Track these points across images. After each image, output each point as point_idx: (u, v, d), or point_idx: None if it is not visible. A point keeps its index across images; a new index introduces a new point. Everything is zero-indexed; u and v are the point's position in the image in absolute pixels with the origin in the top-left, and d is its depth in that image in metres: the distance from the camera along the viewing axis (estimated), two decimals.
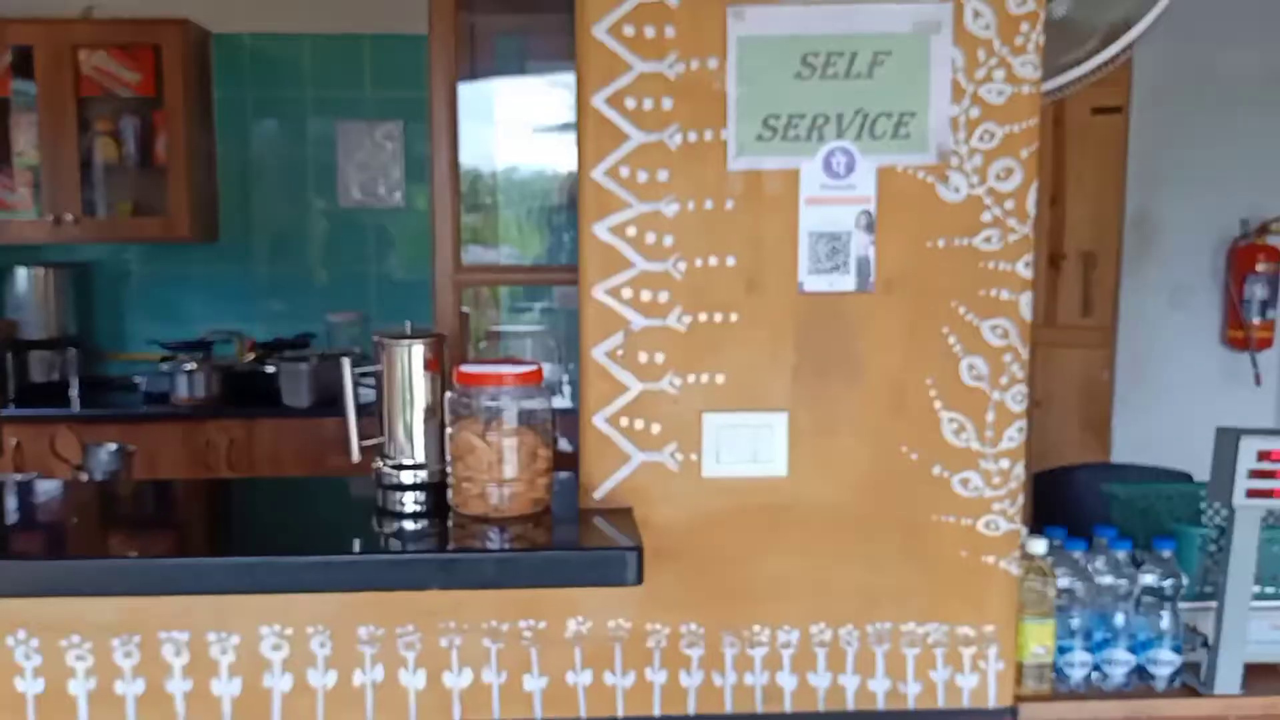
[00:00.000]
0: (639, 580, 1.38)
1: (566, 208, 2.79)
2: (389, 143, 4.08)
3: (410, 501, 1.59)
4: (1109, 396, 3.69)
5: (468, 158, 2.39)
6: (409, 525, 1.58)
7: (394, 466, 1.60)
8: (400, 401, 1.59)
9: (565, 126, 2.59)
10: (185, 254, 4.08)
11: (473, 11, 1.81)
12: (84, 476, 2.13)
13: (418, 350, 1.58)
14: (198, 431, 3.55)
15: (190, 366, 3.61)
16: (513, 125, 2.69)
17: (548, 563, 1.40)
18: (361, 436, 1.61)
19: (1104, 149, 3.71)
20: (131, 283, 4.11)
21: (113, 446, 2.19)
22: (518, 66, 2.75)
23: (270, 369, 3.77)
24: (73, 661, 1.51)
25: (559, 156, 2.96)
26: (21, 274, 3.81)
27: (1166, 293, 3.80)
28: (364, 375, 1.62)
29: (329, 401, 3.68)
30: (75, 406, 3.67)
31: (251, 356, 3.81)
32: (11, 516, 1.69)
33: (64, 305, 3.89)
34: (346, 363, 1.60)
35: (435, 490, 1.59)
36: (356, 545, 1.52)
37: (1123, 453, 3.66)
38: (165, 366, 3.67)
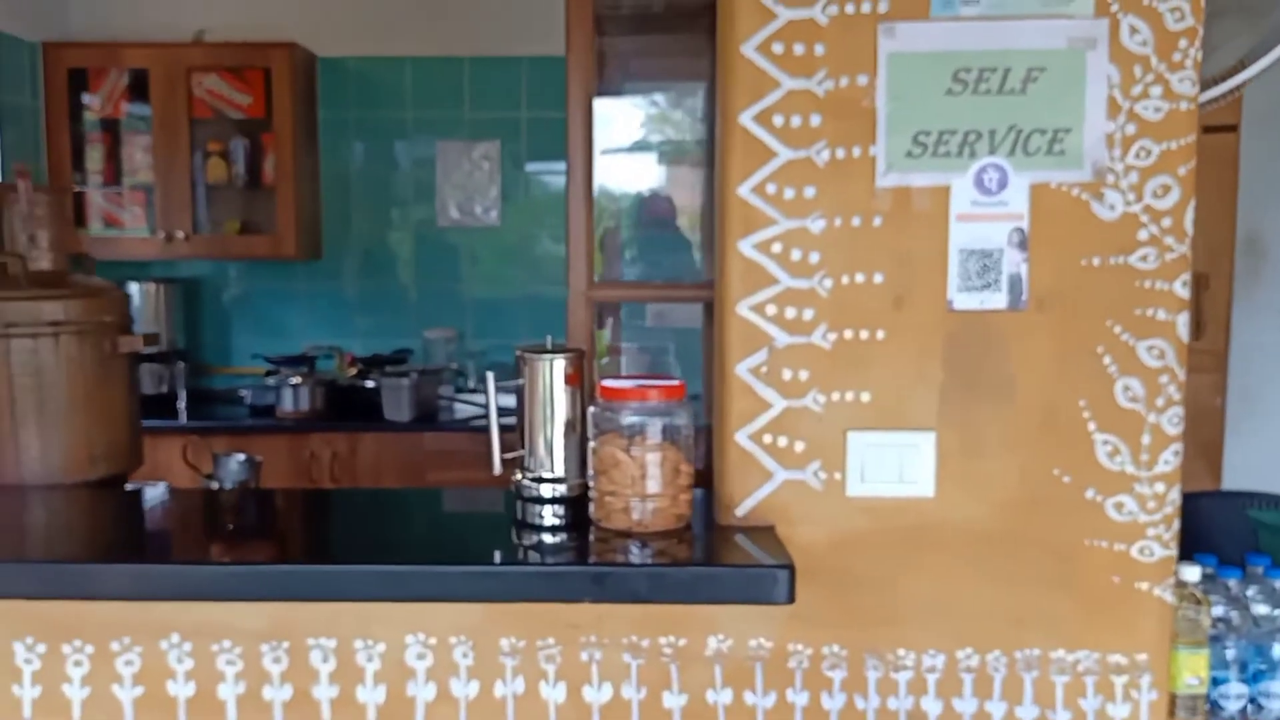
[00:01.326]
0: (791, 599, 1.37)
1: (671, 225, 2.80)
2: (486, 162, 4.14)
3: (550, 515, 1.60)
4: (1220, 421, 3.60)
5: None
6: (548, 538, 1.58)
7: (534, 480, 1.61)
8: (541, 416, 1.61)
9: (665, 144, 2.60)
10: (288, 271, 4.18)
11: (603, 33, 1.81)
12: (214, 485, 2.18)
13: (559, 365, 1.60)
14: (302, 444, 3.61)
15: (295, 380, 3.69)
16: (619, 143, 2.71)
17: (700, 579, 1.40)
18: (503, 449, 1.62)
19: (1216, 168, 3.62)
20: (236, 298, 4.21)
21: (241, 456, 2.23)
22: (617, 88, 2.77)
23: (370, 384, 3.83)
24: (223, 666, 1.54)
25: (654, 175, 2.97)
26: (134, 289, 3.92)
27: (1278, 316, 3.70)
28: (504, 390, 1.63)
29: (428, 416, 3.74)
30: (183, 419, 3.76)
31: (353, 371, 3.87)
32: (160, 523, 1.74)
33: (173, 320, 4.00)
34: (490, 377, 1.61)
35: (574, 504, 1.61)
36: (500, 557, 1.53)
37: (1235, 479, 3.56)
38: (271, 380, 3.75)
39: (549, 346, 1.62)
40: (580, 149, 1.77)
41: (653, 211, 2.36)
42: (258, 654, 1.53)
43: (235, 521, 1.69)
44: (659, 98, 2.22)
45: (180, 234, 3.85)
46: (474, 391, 3.94)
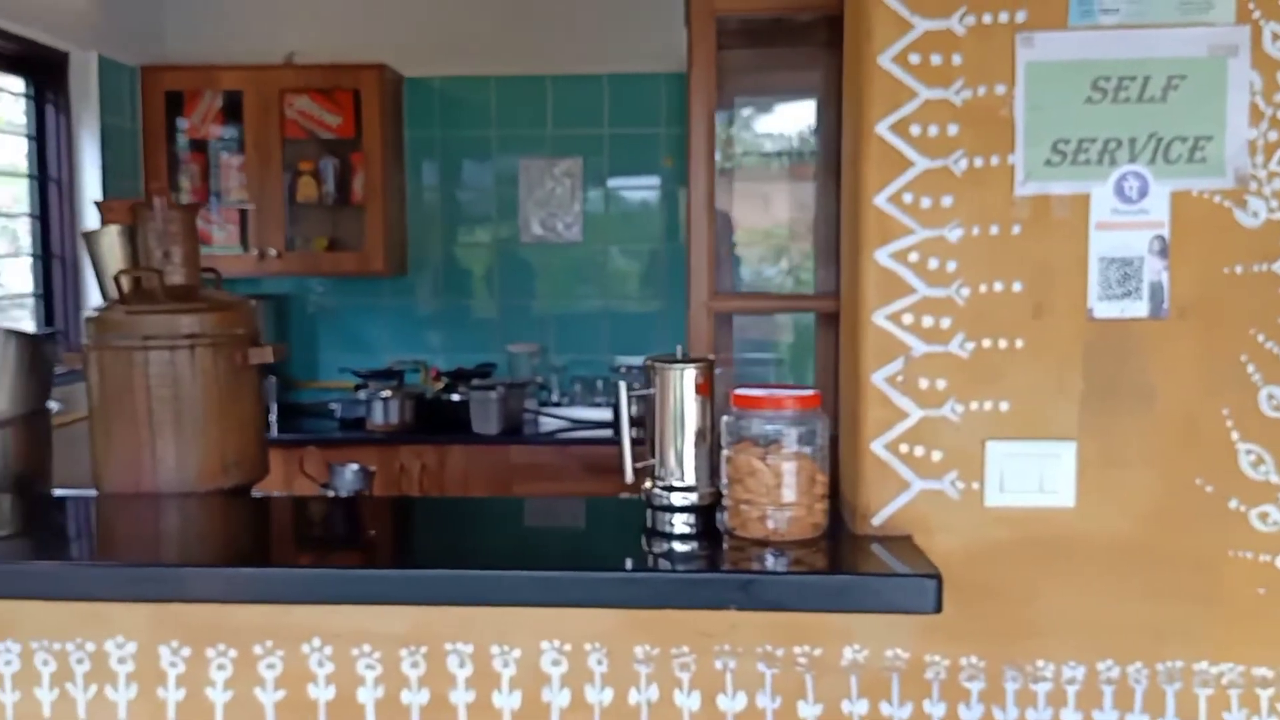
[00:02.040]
0: (938, 608, 1.37)
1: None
2: (568, 179, 4.18)
3: (680, 523, 1.61)
4: None
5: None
6: (680, 546, 1.60)
7: (665, 488, 1.62)
8: (672, 425, 1.62)
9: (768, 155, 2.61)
10: (373, 286, 4.25)
11: (723, 48, 1.83)
12: (330, 494, 2.22)
13: (690, 374, 1.61)
14: (392, 456, 3.67)
15: (386, 394, 3.74)
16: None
17: (845, 588, 1.40)
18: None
19: None
20: (323, 314, 4.29)
21: (355, 466, 2.28)
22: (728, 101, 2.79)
23: (456, 397, 3.88)
24: (362, 670, 1.56)
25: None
26: None
27: None
28: (635, 398, 1.65)
29: (514, 429, 3.78)
30: (274, 432, 3.83)
31: (440, 385, 3.93)
32: (293, 530, 1.78)
33: (264, 335, 4.08)
34: (622, 386, 1.63)
35: (704, 513, 1.62)
36: (634, 564, 1.55)
37: None
38: (362, 394, 3.81)
39: (679, 356, 1.64)
40: (703, 162, 1.79)
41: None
42: (396, 658, 1.56)
43: (362, 529, 1.72)
44: (774, 111, 2.24)
45: (273, 251, 3.93)
46: (558, 405, 3.97)
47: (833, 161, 2.13)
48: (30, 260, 3.65)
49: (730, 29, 2.01)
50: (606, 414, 3.89)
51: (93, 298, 3.74)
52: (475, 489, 3.65)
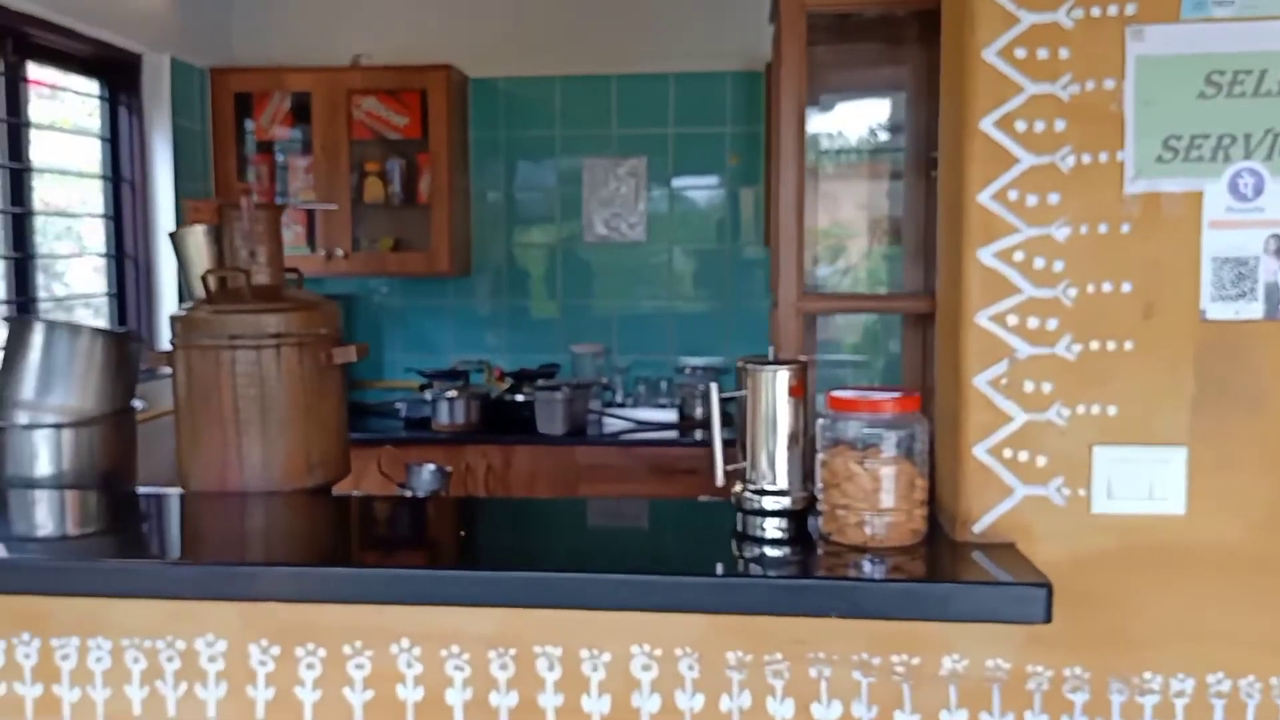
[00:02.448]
0: (1048, 619, 1.33)
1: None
2: (632, 179, 4.16)
3: (772, 528, 1.59)
4: None
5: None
6: (772, 551, 1.57)
7: (756, 492, 1.60)
8: (764, 427, 1.59)
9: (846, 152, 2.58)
10: (437, 287, 4.26)
11: (812, 44, 1.80)
12: (408, 494, 2.22)
13: (783, 376, 1.58)
14: (457, 456, 3.67)
15: (451, 394, 3.75)
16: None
17: (950, 595, 1.36)
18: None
19: None
20: (388, 314, 4.32)
21: (432, 466, 2.27)
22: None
23: (521, 397, 3.88)
24: (451, 671, 1.55)
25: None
26: None
27: None
28: (728, 401, 1.62)
29: (579, 430, 3.77)
30: None
31: (504, 385, 3.93)
32: (378, 529, 1.77)
33: None
34: (714, 388, 1.61)
35: (796, 518, 1.59)
36: (726, 568, 1.52)
37: None
38: (427, 394, 3.82)
39: (771, 358, 1.61)
40: (792, 160, 1.75)
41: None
42: (485, 660, 1.55)
43: (459, 528, 1.71)
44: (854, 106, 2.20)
45: (339, 252, 3.96)
46: (622, 406, 3.96)
47: (920, 159, 2.09)
48: (104, 260, 3.71)
49: (813, 25, 1.97)
50: (671, 415, 3.87)
51: (164, 298, 3.79)
52: (541, 489, 3.64)
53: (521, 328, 4.27)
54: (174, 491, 1.98)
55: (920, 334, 2.00)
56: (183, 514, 1.85)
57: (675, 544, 1.69)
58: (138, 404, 2.07)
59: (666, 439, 3.77)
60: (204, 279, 1.89)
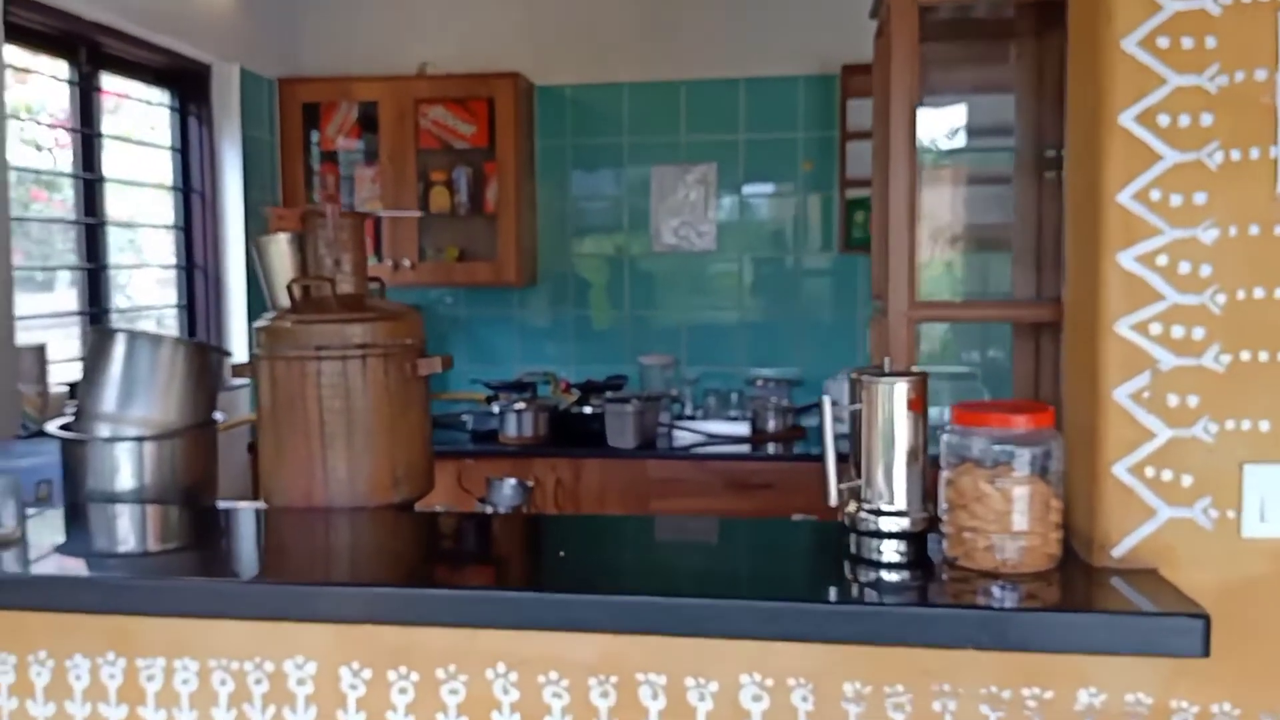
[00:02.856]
0: (1206, 652, 1.22)
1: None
2: (701, 186, 4.09)
3: (890, 550, 1.49)
4: None
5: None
6: (890, 576, 1.47)
7: (872, 512, 1.51)
8: (881, 443, 1.50)
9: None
10: (503, 297, 4.21)
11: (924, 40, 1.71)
12: (489, 510, 2.15)
13: (901, 389, 1.49)
14: (525, 469, 3.61)
15: (520, 406, 3.69)
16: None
17: (1092, 626, 1.26)
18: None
19: None
20: (453, 324, 4.28)
21: (513, 481, 2.20)
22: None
23: (589, 410, 3.81)
24: (549, 699, 1.48)
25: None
26: None
27: None
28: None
29: (649, 443, 3.69)
30: None
31: (573, 398, 3.86)
32: (474, 547, 1.71)
33: None
34: (827, 401, 1.52)
35: (914, 540, 1.50)
36: (839, 594, 1.43)
37: None
38: (495, 406, 3.76)
39: (886, 369, 1.52)
40: (903, 162, 1.67)
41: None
42: (585, 688, 1.47)
43: (563, 549, 1.64)
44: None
45: (406, 262, 3.92)
46: (692, 419, 3.87)
47: (1032, 159, 1.99)
48: (171, 272, 3.70)
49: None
50: (744, 428, 3.78)
51: (234, 308, 3.78)
52: (611, 504, 3.57)
53: (587, 339, 4.21)
54: (257, 506, 1.93)
55: (1033, 343, 1.89)
56: (268, 530, 1.80)
57: (783, 567, 1.60)
58: (218, 416, 2.02)
59: (739, 453, 3.68)
60: (289, 288, 1.84)
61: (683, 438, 3.79)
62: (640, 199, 4.13)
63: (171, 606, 1.49)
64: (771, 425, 3.85)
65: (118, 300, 3.43)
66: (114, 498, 1.89)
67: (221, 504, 2.02)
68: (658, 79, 4.06)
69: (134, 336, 1.95)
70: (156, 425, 1.92)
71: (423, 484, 1.92)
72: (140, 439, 1.90)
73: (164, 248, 3.67)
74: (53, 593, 1.51)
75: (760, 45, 4.01)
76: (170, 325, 3.67)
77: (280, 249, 1.93)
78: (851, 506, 1.53)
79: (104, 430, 1.91)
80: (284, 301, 1.95)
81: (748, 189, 4.08)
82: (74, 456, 1.92)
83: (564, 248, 4.20)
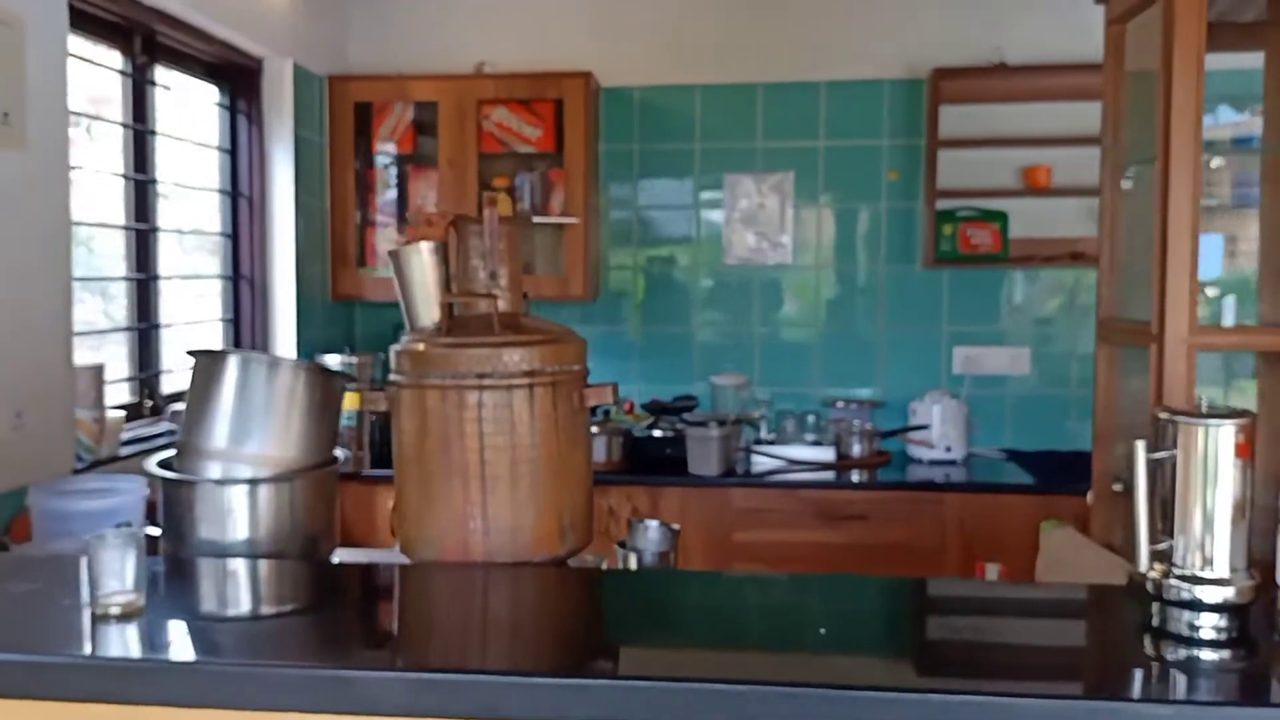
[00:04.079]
0: None
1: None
2: (777, 195, 3.84)
3: (1208, 625, 1.24)
4: None
5: None
6: (1208, 655, 1.22)
7: (1185, 578, 1.26)
8: (1200, 496, 1.25)
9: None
10: (564, 312, 3.94)
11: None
12: (632, 558, 1.89)
13: (1228, 433, 1.24)
14: (599, 497, 3.32)
15: (593, 430, 3.42)
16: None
17: None
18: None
19: None
20: None
21: (656, 523, 1.94)
22: None
23: (658, 433, 3.55)
24: None
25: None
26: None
27: None
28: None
29: (731, 470, 3.43)
30: None
31: (645, 420, 3.60)
32: (677, 616, 1.44)
33: None
34: (1140, 446, 1.27)
35: (1238, 612, 1.25)
36: (1150, 684, 1.18)
37: None
38: None
39: (1203, 409, 1.27)
40: (1187, 170, 1.43)
41: None
42: None
43: (822, 627, 1.36)
44: None
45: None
46: (771, 443, 3.61)
47: None
48: (220, 282, 3.41)
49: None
50: (828, 453, 3.52)
51: (280, 323, 3.49)
52: (693, 536, 3.30)
53: (654, 356, 3.94)
54: (390, 559, 1.66)
55: None
56: (415, 591, 1.52)
57: (1069, 644, 1.34)
58: (339, 453, 1.75)
59: (825, 480, 3.42)
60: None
61: (762, 463, 3.54)
62: (713, 208, 3.88)
63: (305, 701, 1.21)
64: (856, 450, 3.60)
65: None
66: (224, 550, 1.61)
67: (349, 557, 1.74)
68: (732, 81, 3.82)
69: (247, 360, 1.67)
70: (275, 464, 1.64)
71: (586, 533, 1.65)
72: (256, 481, 1.62)
73: (201, 256, 3.37)
74: (195, 684, 1.22)
75: (842, 47, 3.78)
76: (216, 343, 3.38)
77: (423, 260, 1.66)
78: (1154, 572, 1.28)
79: (214, 470, 1.64)
80: (425, 320, 1.68)
81: (826, 199, 3.83)
82: (177, 500, 1.64)
83: (628, 260, 3.94)
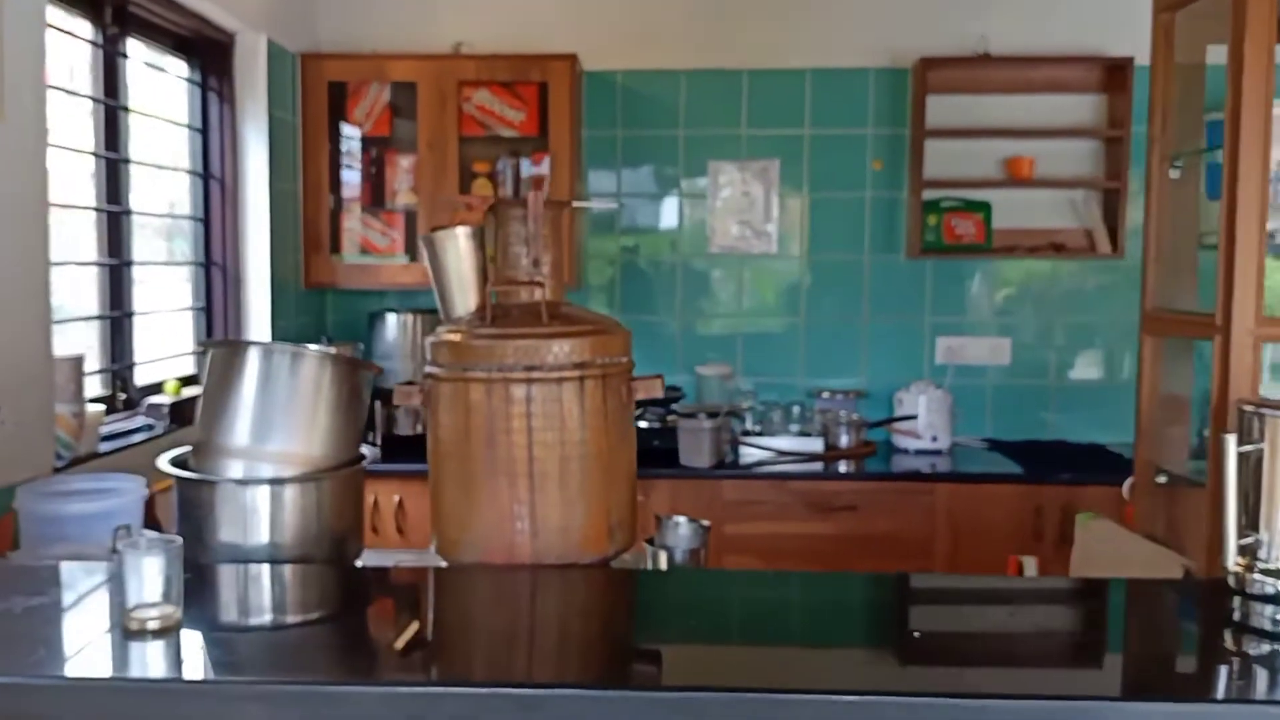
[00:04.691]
0: None
1: None
2: (762, 184, 3.79)
3: None
4: None
5: None
6: None
7: (1271, 572, 1.23)
8: None
9: None
10: None
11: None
12: (662, 556, 1.82)
13: None
14: None
15: None
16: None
17: None
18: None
19: None
20: None
21: (683, 519, 1.88)
22: None
23: (644, 424, 3.49)
24: None
25: None
26: (391, 320, 3.62)
27: None
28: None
29: (721, 462, 3.38)
30: None
31: (636, 412, 3.52)
32: (740, 614, 1.38)
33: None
34: (1231, 440, 1.24)
35: None
36: (1234, 681, 1.16)
37: None
38: None
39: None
40: (1258, 151, 1.40)
41: None
42: None
43: (918, 630, 1.31)
44: None
45: None
46: (758, 434, 3.57)
47: None
48: (193, 269, 3.26)
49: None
50: (817, 444, 3.49)
51: (253, 312, 3.35)
52: None
53: (636, 346, 3.78)
54: (427, 562, 1.58)
55: None
56: (459, 596, 1.44)
57: (1153, 642, 1.31)
58: (367, 451, 1.66)
59: (814, 471, 3.39)
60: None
61: (750, 454, 3.49)
62: (697, 196, 3.82)
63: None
64: (844, 441, 3.58)
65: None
66: (247, 555, 1.52)
67: (371, 559, 1.66)
68: (717, 67, 3.75)
69: (270, 351, 1.58)
70: (300, 462, 1.55)
71: (632, 532, 1.59)
72: (281, 481, 1.53)
73: (161, 241, 3.21)
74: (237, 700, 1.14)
75: (828, 35, 3.73)
76: (184, 332, 3.24)
77: (459, 246, 1.58)
78: (1236, 565, 1.26)
79: (235, 469, 1.54)
80: (460, 310, 1.60)
81: (812, 188, 3.79)
82: (197, 502, 1.54)
83: (610, 248, 3.86)
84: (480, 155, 3.64)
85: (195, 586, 1.45)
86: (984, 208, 3.68)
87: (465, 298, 1.58)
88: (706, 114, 3.78)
